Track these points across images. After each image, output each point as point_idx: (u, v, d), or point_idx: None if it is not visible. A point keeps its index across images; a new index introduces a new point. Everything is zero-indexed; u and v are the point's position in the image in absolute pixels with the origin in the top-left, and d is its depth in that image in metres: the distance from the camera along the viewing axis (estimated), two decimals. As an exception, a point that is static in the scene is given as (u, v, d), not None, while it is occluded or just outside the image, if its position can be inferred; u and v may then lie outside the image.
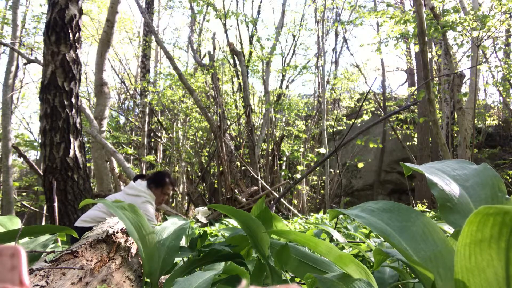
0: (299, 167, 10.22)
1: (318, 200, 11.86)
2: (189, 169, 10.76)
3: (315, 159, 10.43)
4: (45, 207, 7.55)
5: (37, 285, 0.75)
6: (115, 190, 6.20)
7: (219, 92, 8.91)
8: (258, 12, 11.61)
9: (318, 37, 11.20)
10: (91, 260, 0.96)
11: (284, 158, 11.26)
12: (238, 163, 8.10)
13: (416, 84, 11.77)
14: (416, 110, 10.89)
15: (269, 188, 7.10)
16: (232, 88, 11.69)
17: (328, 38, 16.65)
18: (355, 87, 14.87)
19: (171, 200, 11.47)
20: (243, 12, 10.58)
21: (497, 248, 0.52)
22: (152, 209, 2.65)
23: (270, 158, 9.10)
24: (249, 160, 8.70)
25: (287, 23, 12.34)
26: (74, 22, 3.71)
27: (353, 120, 3.59)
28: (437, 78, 8.45)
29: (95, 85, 6.25)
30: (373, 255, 1.05)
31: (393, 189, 12.46)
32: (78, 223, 2.51)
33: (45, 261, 0.87)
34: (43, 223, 9.68)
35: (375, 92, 13.40)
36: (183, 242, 1.67)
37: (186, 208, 9.35)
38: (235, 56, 9.97)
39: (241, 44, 10.71)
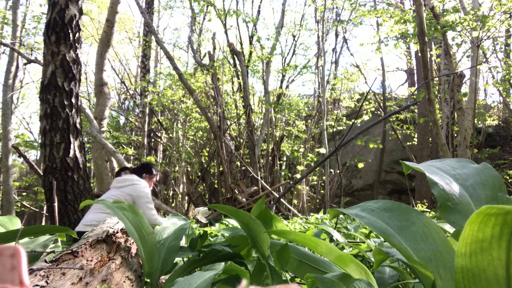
0: (299, 167, 10.21)
1: (318, 200, 11.85)
2: (189, 169, 10.76)
3: (315, 159, 10.42)
4: (45, 207, 7.55)
5: (37, 285, 0.75)
6: (115, 190, 6.19)
7: (219, 92, 8.91)
8: (258, 12, 11.62)
9: (318, 37, 11.20)
10: (91, 260, 0.96)
11: (284, 158, 11.26)
12: (238, 163, 8.10)
13: (416, 84, 11.77)
14: (416, 110, 10.89)
15: (269, 188, 7.10)
16: (232, 88, 11.69)
17: (328, 38, 16.63)
18: (355, 87, 14.87)
19: (171, 200, 11.47)
20: (243, 12, 10.57)
21: (498, 248, 0.52)
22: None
23: (270, 158, 9.10)
24: (249, 160, 8.70)
25: (287, 23, 12.35)
26: (74, 22, 3.71)
27: (353, 120, 3.59)
28: (437, 78, 8.45)
29: (95, 85, 6.25)
30: (373, 255, 1.05)
31: (393, 189, 12.45)
32: (81, 228, 2.44)
33: (45, 261, 0.87)
34: (43, 223, 9.67)
35: (375, 92, 13.40)
36: (183, 242, 1.67)
37: (186, 208, 9.35)
38: (235, 56, 9.97)
39: (241, 44, 10.71)
